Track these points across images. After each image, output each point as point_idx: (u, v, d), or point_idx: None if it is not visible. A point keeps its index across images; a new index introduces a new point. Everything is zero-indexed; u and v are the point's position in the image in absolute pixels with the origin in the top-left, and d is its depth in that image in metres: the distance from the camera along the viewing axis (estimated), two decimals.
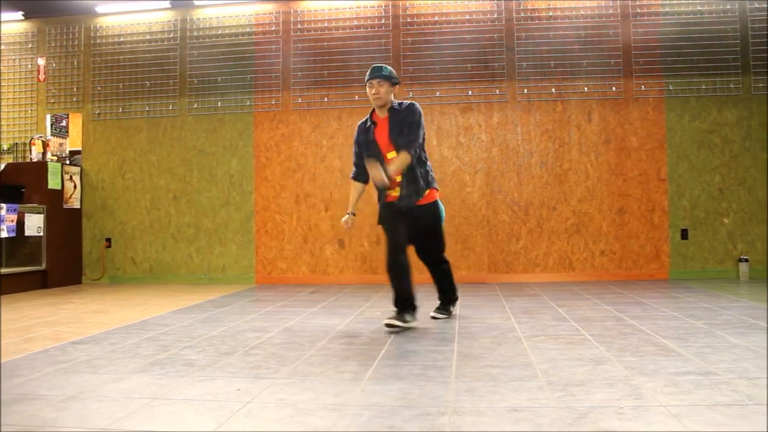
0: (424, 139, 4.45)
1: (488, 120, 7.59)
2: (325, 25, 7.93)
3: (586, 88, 7.47)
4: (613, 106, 7.44)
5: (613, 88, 7.44)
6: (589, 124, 7.45)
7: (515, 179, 7.51)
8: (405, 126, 4.33)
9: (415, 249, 4.72)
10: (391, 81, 4.40)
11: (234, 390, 2.71)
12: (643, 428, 2.09)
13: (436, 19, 7.73)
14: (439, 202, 4.60)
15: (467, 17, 7.67)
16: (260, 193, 7.92)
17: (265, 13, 8.09)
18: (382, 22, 7.81)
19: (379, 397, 2.55)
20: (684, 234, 7.33)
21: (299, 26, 7.98)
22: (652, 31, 7.45)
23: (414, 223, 4.45)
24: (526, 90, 7.54)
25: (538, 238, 7.45)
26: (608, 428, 2.09)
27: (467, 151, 7.60)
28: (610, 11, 7.51)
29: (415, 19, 7.77)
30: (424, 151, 4.53)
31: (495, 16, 7.63)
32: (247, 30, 8.12)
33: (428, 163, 4.56)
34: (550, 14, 7.58)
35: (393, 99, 4.47)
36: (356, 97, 7.76)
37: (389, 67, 4.47)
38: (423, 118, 4.44)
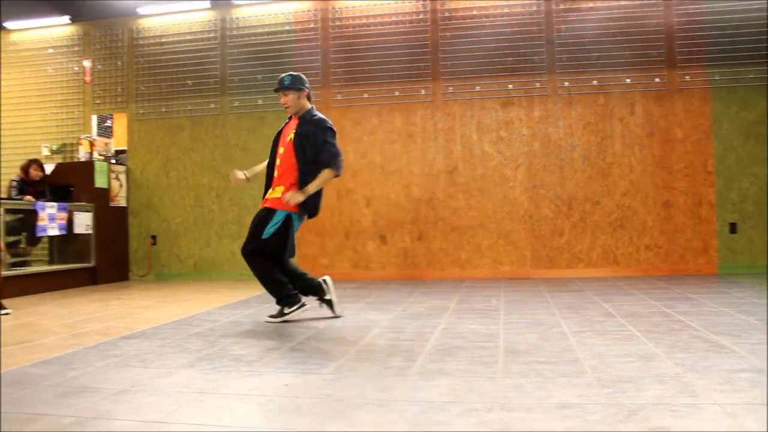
0: (337, 148, 4.56)
1: (529, 114, 7.52)
2: (363, 21, 7.94)
3: (628, 80, 7.35)
4: (657, 97, 7.31)
5: (657, 79, 7.31)
6: (632, 116, 7.34)
7: (557, 173, 7.43)
8: (318, 146, 4.48)
9: None
10: (295, 88, 4.59)
11: (281, 385, 2.74)
12: (698, 427, 2.05)
13: (475, 13, 7.68)
14: (293, 217, 4.52)
15: (506, 10, 7.61)
16: None
17: (304, 11, 8.13)
18: (420, 17, 7.79)
19: (426, 392, 2.55)
20: (733, 228, 7.18)
21: (337, 23, 8.00)
22: (696, 19, 7.30)
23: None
24: (567, 83, 7.45)
25: (582, 233, 7.36)
26: (661, 426, 2.06)
27: (508, 146, 7.54)
28: None
29: (454, 14, 7.73)
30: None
31: (534, 8, 7.55)
32: (286, 28, 8.18)
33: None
34: (590, 5, 7.47)
35: (307, 104, 4.66)
36: (396, 93, 7.76)
37: (295, 75, 4.64)
38: (334, 133, 4.57)
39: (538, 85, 7.51)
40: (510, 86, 7.56)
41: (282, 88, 4.62)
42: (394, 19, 7.86)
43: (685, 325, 3.93)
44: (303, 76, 4.70)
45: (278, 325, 4.41)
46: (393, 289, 6.57)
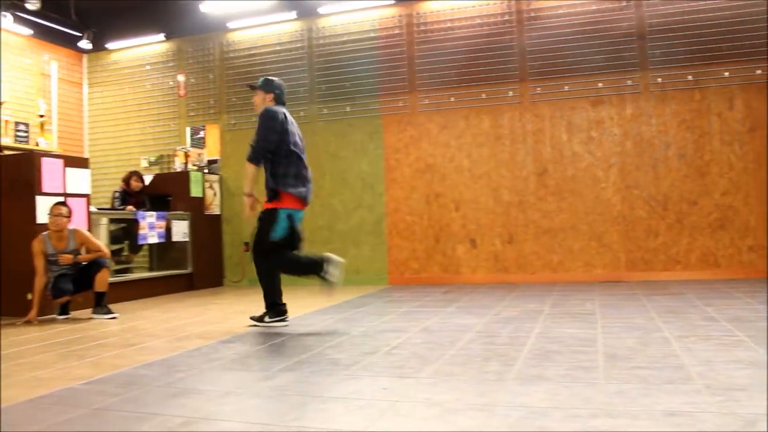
0: (275, 142, 4.68)
1: (620, 112, 7.32)
2: (448, 25, 7.93)
3: (726, 73, 7.04)
4: (758, 90, 6.98)
5: (758, 71, 6.97)
6: (731, 111, 7.03)
7: (651, 173, 7.20)
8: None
9: None
10: (262, 90, 4.92)
11: (380, 389, 2.76)
12: None
13: (561, 11, 7.54)
14: (280, 212, 4.71)
15: (593, 7, 7.43)
16: (391, 194, 8.03)
17: (388, 17, 8.19)
18: (506, 18, 7.71)
19: (526, 397, 2.52)
20: None
21: (422, 27, 8.02)
22: None
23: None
24: (660, 79, 7.22)
25: (678, 234, 7.10)
26: None
27: (599, 146, 7.37)
28: None
29: (540, 13, 7.61)
30: (279, 155, 4.73)
31: (624, 3, 7.35)
32: (371, 35, 8.26)
33: (282, 166, 4.74)
34: None
35: (269, 104, 4.88)
36: (483, 96, 7.71)
37: (267, 79, 4.97)
38: (272, 122, 4.68)
39: (629, 82, 7.30)
40: (600, 84, 7.38)
41: (252, 87, 5.02)
42: (479, 21, 7.81)
43: None
44: (276, 80, 5.01)
45: (369, 330, 4.45)
46: (484, 292, 6.52)
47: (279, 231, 4.70)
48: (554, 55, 7.51)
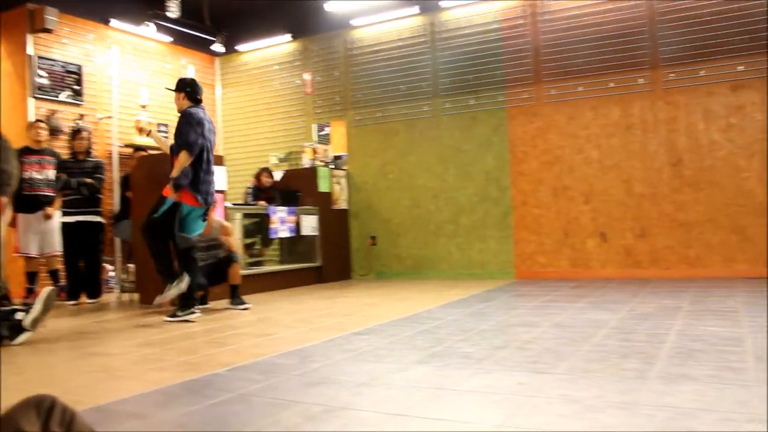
0: (196, 134, 5.18)
1: (764, 97, 6.85)
2: (575, 12, 7.70)
3: None
4: None
5: None
6: None
7: None
8: (177, 134, 5.24)
9: None
10: (177, 90, 5.41)
11: (515, 383, 2.73)
12: None
13: None
14: (183, 207, 5.27)
15: None
16: (517, 187, 7.92)
17: (512, 8, 8.06)
18: (633, 2, 7.40)
19: (671, 397, 2.42)
20: None
21: (547, 17, 7.84)
22: None
23: None
24: None
25: None
26: None
27: (740, 133, 6.93)
28: None
29: None
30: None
31: None
32: (494, 26, 8.16)
33: (201, 168, 5.26)
34: None
35: (185, 105, 5.37)
36: (611, 84, 7.45)
37: (181, 79, 5.53)
38: (191, 120, 5.21)
39: None
40: (740, 68, 6.93)
41: (172, 90, 5.50)
42: (608, 6, 7.53)
43: None
44: (191, 80, 5.53)
45: (499, 324, 4.41)
46: (615, 288, 6.31)
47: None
48: (689, 39, 7.12)
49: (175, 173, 5.13)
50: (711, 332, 3.71)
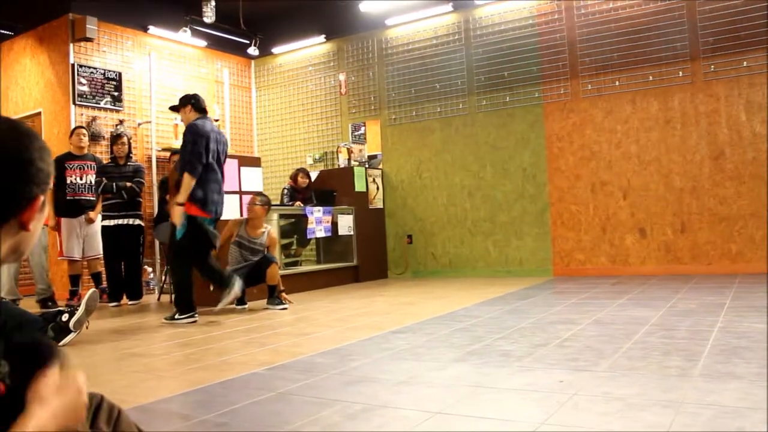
0: (197, 154, 5.19)
1: None
2: (610, 5, 7.60)
3: None
4: None
5: None
6: None
7: None
8: (182, 150, 5.30)
9: None
10: (178, 107, 5.47)
11: (556, 381, 2.71)
12: None
13: None
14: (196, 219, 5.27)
15: None
16: (554, 184, 7.84)
17: (547, 3, 7.99)
18: None
19: (717, 396, 2.37)
20: None
21: (582, 11, 7.75)
22: None
23: None
24: None
25: None
26: None
27: None
28: None
29: None
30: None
31: None
32: (530, 22, 8.10)
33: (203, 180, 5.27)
34: None
35: (192, 117, 5.38)
36: (650, 78, 7.33)
37: (183, 96, 5.53)
38: (195, 136, 5.21)
39: None
40: None
41: (174, 109, 5.62)
42: None
43: None
44: (192, 94, 5.51)
45: (538, 321, 4.37)
46: (655, 284, 6.22)
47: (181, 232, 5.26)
48: (730, 29, 6.97)
49: (181, 199, 5.19)
50: (756, 329, 3.62)
